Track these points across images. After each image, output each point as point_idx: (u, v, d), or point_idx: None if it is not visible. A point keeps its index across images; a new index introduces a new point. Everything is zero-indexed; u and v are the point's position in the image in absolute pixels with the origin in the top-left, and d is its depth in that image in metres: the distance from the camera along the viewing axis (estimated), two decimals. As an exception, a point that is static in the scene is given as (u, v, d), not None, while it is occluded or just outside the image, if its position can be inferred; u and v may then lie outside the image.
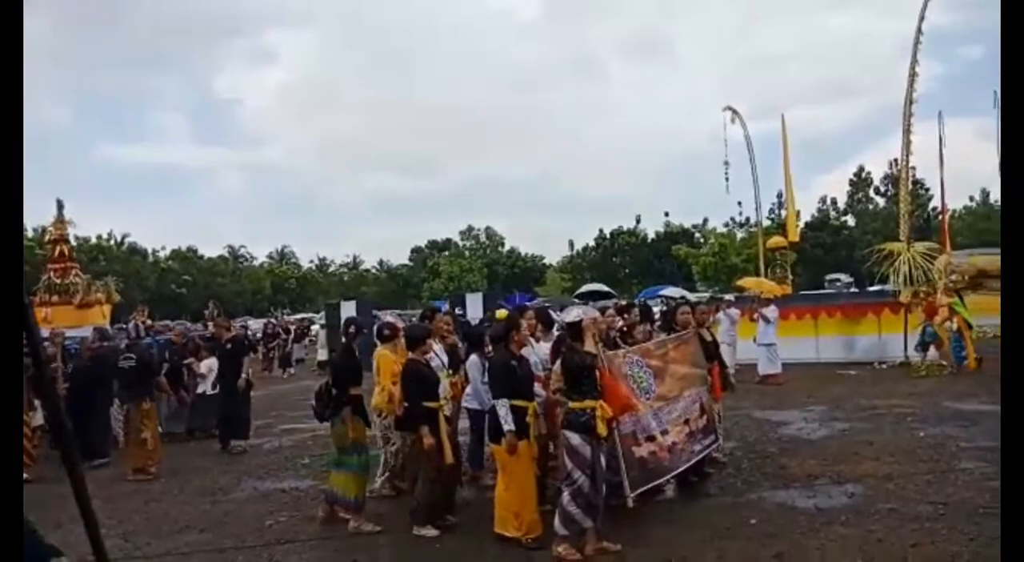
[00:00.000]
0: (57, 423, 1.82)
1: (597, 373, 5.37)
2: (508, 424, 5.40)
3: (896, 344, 15.01)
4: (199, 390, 11.09)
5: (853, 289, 26.67)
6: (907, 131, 16.27)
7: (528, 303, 17.41)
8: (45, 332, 10.45)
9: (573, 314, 5.61)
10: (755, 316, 14.37)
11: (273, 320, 27.42)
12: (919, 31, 16.08)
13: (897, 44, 71.97)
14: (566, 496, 5.14)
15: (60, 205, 18.34)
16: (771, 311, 14.28)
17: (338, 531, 6.19)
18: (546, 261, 71.96)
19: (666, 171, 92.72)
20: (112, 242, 56.52)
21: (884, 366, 14.56)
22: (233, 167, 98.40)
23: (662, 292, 22.75)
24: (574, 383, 5.30)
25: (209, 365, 10.93)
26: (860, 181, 59.15)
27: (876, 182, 58.32)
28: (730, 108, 23.87)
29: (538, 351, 6.54)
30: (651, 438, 6.04)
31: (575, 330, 5.46)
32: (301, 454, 9.57)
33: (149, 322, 14.76)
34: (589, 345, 5.39)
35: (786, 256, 24.38)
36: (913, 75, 16.13)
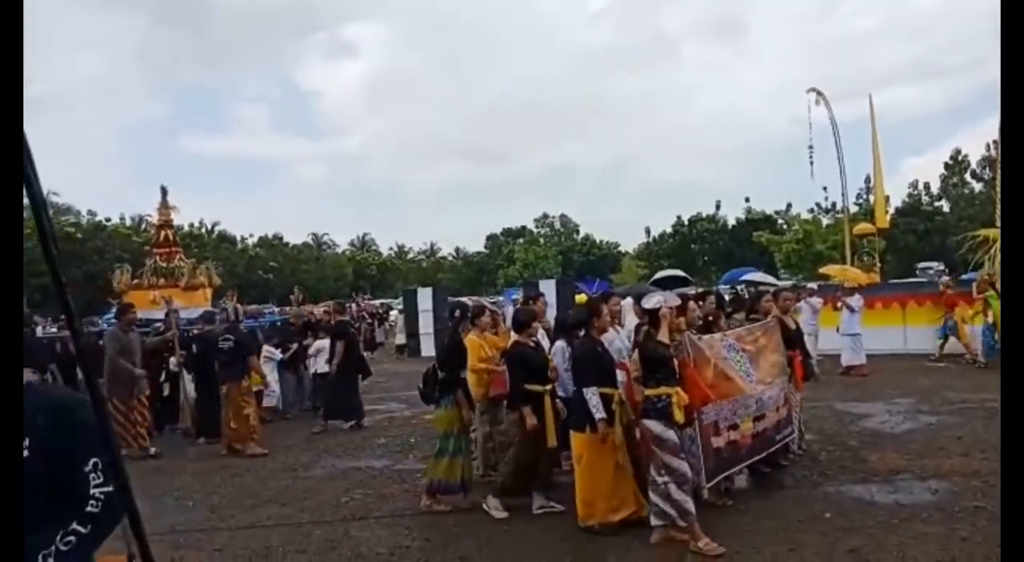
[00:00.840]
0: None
1: (676, 363, 5.32)
2: (600, 412, 5.29)
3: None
4: (313, 370, 11.65)
5: (944, 278, 25.40)
6: (1006, 111, 15.33)
7: (606, 289, 17.26)
8: (160, 312, 11.26)
9: (652, 301, 5.46)
10: (839, 305, 13.93)
11: (355, 304, 28.16)
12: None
13: (995, 19, 67.67)
14: (673, 487, 5.00)
15: (164, 191, 18.89)
16: (855, 300, 13.83)
17: (411, 509, 6.36)
18: (621, 248, 71.34)
19: (746, 156, 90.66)
20: (203, 230, 59.15)
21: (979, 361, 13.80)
22: (315, 158, 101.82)
23: (745, 276, 22.10)
24: (650, 372, 5.27)
25: (319, 346, 11.42)
26: (955, 164, 55.94)
27: (973, 165, 55.12)
28: (814, 90, 23.02)
29: (622, 337, 6.48)
30: (733, 427, 5.94)
31: (653, 318, 5.39)
32: (378, 435, 9.87)
33: (240, 306, 15.48)
34: (663, 334, 5.31)
35: (874, 243, 23.42)
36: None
